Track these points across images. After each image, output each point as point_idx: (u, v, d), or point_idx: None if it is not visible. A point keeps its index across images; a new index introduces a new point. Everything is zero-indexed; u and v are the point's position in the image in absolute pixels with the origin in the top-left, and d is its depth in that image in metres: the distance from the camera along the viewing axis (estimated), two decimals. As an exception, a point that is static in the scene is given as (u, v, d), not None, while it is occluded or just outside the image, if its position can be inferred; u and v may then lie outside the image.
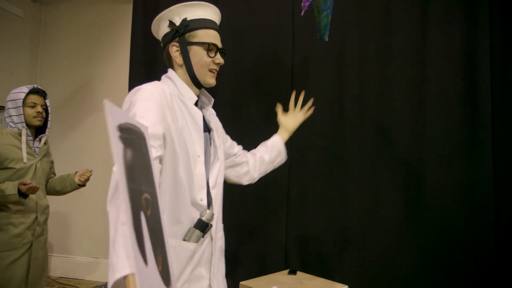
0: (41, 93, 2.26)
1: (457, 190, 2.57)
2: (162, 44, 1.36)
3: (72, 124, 3.93)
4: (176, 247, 1.15)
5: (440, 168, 2.60)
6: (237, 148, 1.71)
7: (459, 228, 2.54)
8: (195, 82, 1.31)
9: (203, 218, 1.21)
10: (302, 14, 2.21)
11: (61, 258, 3.87)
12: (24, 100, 2.18)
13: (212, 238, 1.29)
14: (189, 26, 1.27)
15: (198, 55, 1.28)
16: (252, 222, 2.95)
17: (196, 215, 1.22)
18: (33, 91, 2.22)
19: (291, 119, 1.83)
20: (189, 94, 1.29)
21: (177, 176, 1.17)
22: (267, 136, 2.98)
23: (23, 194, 2.01)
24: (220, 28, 3.15)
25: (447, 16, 2.61)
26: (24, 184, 1.98)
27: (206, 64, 1.29)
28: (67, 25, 4.00)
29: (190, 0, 1.30)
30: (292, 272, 2.43)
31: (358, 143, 2.78)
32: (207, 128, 1.37)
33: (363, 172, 2.76)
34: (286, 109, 2.92)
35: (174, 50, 1.30)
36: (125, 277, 0.72)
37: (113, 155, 0.74)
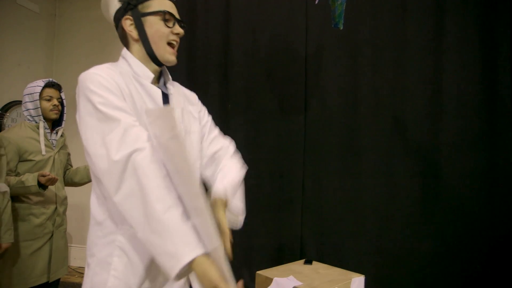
0: (57, 86, 2.29)
1: (475, 180, 2.52)
2: (114, 23, 1.23)
3: (88, 117, 3.97)
4: None
5: (457, 158, 2.56)
6: (221, 144, 1.34)
7: (476, 219, 2.51)
8: (153, 58, 1.17)
9: None
10: (316, 2, 2.18)
11: (79, 248, 3.94)
12: (40, 93, 2.21)
13: None
14: None
15: (154, 26, 1.14)
16: (268, 213, 2.96)
17: None
18: (49, 85, 2.25)
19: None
20: (145, 73, 1.15)
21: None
22: (280, 126, 2.98)
23: (42, 186, 2.05)
24: (232, 17, 3.14)
25: (464, 0, 2.54)
26: (43, 176, 2.02)
27: (164, 35, 1.15)
28: (81, 19, 4.03)
29: None
30: (308, 261, 2.44)
31: (373, 132, 2.75)
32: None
33: (379, 162, 2.73)
34: (299, 103, 2.91)
35: (128, 24, 1.17)
36: (193, 261, 0.72)
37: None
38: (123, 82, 1.10)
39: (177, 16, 1.19)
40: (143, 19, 1.14)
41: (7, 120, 3.37)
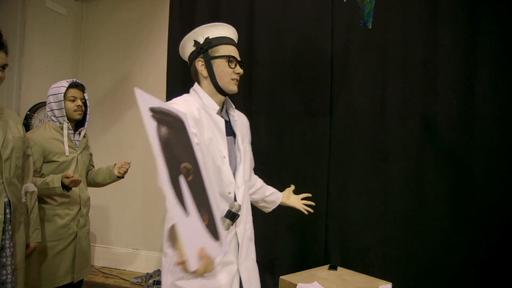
0: (80, 87, 2.31)
1: (508, 184, 2.40)
2: (189, 63, 1.56)
3: (112, 118, 4.03)
4: None
5: (491, 162, 2.45)
6: (252, 172, 1.86)
7: (510, 226, 2.38)
8: (219, 90, 1.48)
9: (233, 209, 1.36)
10: (344, 0, 2.13)
11: (103, 248, 3.99)
12: (65, 94, 2.23)
13: (236, 230, 1.46)
14: (211, 43, 1.46)
15: (220, 66, 1.45)
16: (292, 217, 2.91)
17: (225, 207, 1.39)
18: (73, 85, 2.27)
19: (293, 200, 2.07)
20: (212, 105, 1.46)
21: (207, 172, 1.31)
22: (305, 128, 2.93)
23: (66, 187, 2.07)
24: (256, 18, 3.12)
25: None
26: (67, 177, 2.03)
27: (228, 73, 1.45)
28: (106, 22, 4.09)
29: (211, 22, 1.52)
30: (333, 267, 2.38)
31: (401, 135, 2.66)
32: (232, 133, 1.53)
33: (407, 165, 2.64)
34: (324, 105, 2.85)
35: (200, 65, 1.48)
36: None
37: (147, 131, 0.87)
38: (196, 111, 1.39)
39: (238, 58, 1.49)
40: (212, 61, 1.46)
41: (34, 121, 3.44)
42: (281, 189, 2.95)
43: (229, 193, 1.43)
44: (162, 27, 3.62)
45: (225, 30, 1.50)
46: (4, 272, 1.64)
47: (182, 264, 0.84)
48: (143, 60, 3.93)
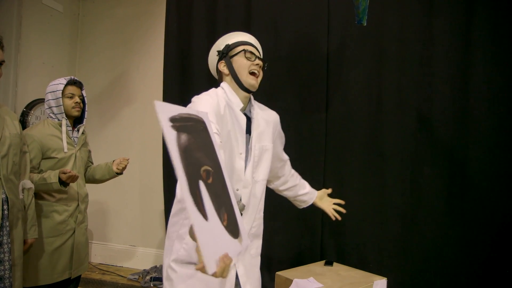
0: (78, 84, 2.31)
1: (504, 181, 2.43)
2: (216, 71, 1.65)
3: (110, 115, 4.03)
4: None
5: (486, 158, 2.47)
6: (286, 170, 1.92)
7: (506, 221, 2.41)
8: (240, 86, 1.53)
9: None
10: (339, -3, 2.13)
11: (100, 245, 4.00)
12: (63, 91, 2.23)
13: None
14: (230, 47, 1.57)
15: (238, 61, 1.53)
16: (288, 213, 2.92)
17: None
18: (71, 82, 2.27)
19: (326, 203, 2.07)
20: (236, 101, 1.51)
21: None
22: (301, 124, 2.94)
23: (63, 183, 2.07)
24: (253, 15, 3.10)
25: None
26: (64, 173, 2.04)
27: (246, 65, 1.51)
28: (103, 18, 4.08)
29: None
30: (329, 263, 2.40)
31: (397, 131, 2.68)
32: (249, 131, 1.56)
33: (403, 161, 2.66)
34: (321, 102, 2.86)
35: (222, 66, 1.58)
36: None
37: (167, 143, 0.92)
38: (222, 106, 1.45)
39: (256, 54, 1.56)
40: (231, 59, 1.55)
41: (31, 118, 3.43)
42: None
43: (237, 189, 1.48)
44: (159, 24, 3.61)
45: (243, 36, 1.61)
46: (1, 267, 1.65)
47: (202, 269, 0.86)
48: (140, 56, 3.93)
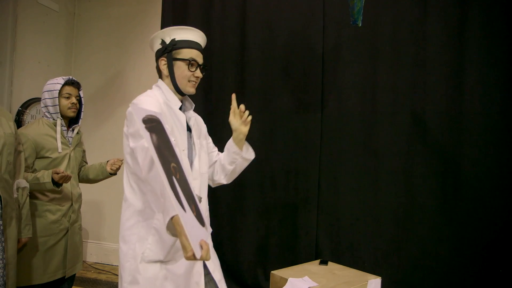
0: (76, 85, 2.31)
1: (498, 180, 2.44)
2: (155, 58, 1.64)
3: (105, 114, 4.02)
4: None
5: (479, 157, 2.49)
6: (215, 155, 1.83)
7: (498, 220, 2.43)
8: (178, 91, 1.58)
9: None
10: (334, -2, 2.14)
11: (95, 244, 3.99)
12: (60, 91, 2.22)
13: None
14: (176, 45, 1.54)
15: (180, 69, 1.54)
16: (283, 212, 2.93)
17: None
18: (69, 82, 2.26)
19: (242, 122, 1.71)
20: (175, 101, 1.57)
21: None
22: (296, 124, 2.95)
23: (56, 183, 2.07)
24: (248, 15, 3.13)
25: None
26: (57, 173, 2.03)
27: (187, 76, 1.54)
28: (99, 18, 4.07)
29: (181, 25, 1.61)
30: (324, 262, 2.40)
31: (391, 130, 2.69)
32: (189, 128, 1.62)
33: (397, 160, 2.68)
34: (316, 101, 2.87)
35: (162, 64, 1.58)
36: (172, 218, 1.06)
37: (147, 143, 1.04)
38: (163, 106, 1.51)
39: (200, 62, 1.56)
40: (173, 62, 1.54)
41: (26, 117, 3.43)
42: (273, 185, 2.98)
43: (194, 180, 1.54)
44: (155, 23, 3.61)
45: (192, 34, 1.57)
46: (-5, 266, 1.65)
47: (191, 256, 0.97)
48: (136, 56, 3.92)
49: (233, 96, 1.68)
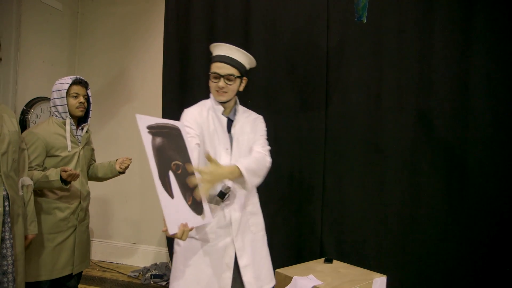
0: (84, 84, 2.33)
1: (503, 178, 2.43)
2: None
3: (109, 113, 4.03)
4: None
5: (485, 155, 2.47)
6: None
7: (504, 218, 2.41)
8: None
9: (222, 189, 1.70)
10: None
11: (101, 242, 4.01)
12: (68, 90, 2.24)
13: (230, 207, 1.78)
14: (211, 61, 1.83)
15: (210, 81, 1.82)
16: (287, 210, 2.93)
17: (219, 188, 1.72)
18: (76, 82, 2.28)
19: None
20: (218, 107, 1.83)
21: (207, 163, 1.61)
22: (301, 122, 2.94)
23: (65, 181, 2.09)
24: (252, 12, 3.10)
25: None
26: (65, 171, 2.05)
27: (213, 87, 1.81)
28: (103, 17, 4.08)
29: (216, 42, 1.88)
30: (328, 260, 2.40)
31: (396, 128, 2.68)
32: (230, 130, 1.86)
33: (402, 159, 2.66)
34: (320, 98, 2.86)
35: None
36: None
37: (143, 144, 1.31)
38: (206, 112, 1.81)
39: (221, 73, 1.77)
40: (209, 75, 1.82)
41: (31, 116, 3.44)
42: (277, 182, 2.98)
43: None
44: (159, 22, 3.61)
45: (217, 48, 1.82)
46: (5, 262, 1.68)
47: (166, 231, 1.31)
48: (140, 55, 3.93)
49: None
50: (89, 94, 2.36)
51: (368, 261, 2.70)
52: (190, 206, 1.38)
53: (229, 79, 1.77)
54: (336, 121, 2.84)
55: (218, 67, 1.78)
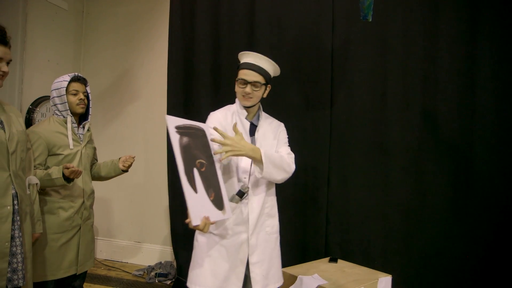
0: (82, 81, 2.31)
1: (509, 178, 2.41)
2: None
3: (114, 112, 4.04)
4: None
5: (491, 155, 2.46)
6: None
7: (511, 218, 2.40)
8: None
9: (241, 189, 1.80)
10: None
11: (105, 241, 4.03)
12: (67, 88, 2.23)
13: (249, 206, 1.85)
14: (238, 68, 1.92)
15: (236, 86, 1.90)
16: (292, 209, 2.92)
17: (238, 187, 1.83)
18: (75, 79, 2.27)
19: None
20: (242, 111, 1.92)
21: (230, 163, 1.83)
22: (306, 121, 2.93)
23: (67, 179, 2.09)
24: (256, 11, 3.10)
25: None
26: (67, 168, 2.05)
27: (239, 92, 1.89)
28: (108, 16, 4.09)
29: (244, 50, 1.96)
30: (333, 260, 2.40)
31: (401, 128, 2.67)
32: (252, 134, 1.95)
33: (407, 158, 2.65)
34: (325, 98, 2.85)
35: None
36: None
37: (171, 142, 1.44)
38: (230, 116, 1.91)
39: (248, 80, 1.85)
40: (235, 81, 1.91)
41: (37, 115, 3.46)
42: (281, 185, 2.97)
43: (245, 178, 1.84)
44: (163, 21, 3.62)
45: (246, 56, 1.91)
46: (15, 260, 1.69)
47: (190, 222, 1.39)
48: (145, 54, 3.93)
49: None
50: (88, 91, 2.34)
51: (373, 260, 2.69)
52: (212, 201, 1.50)
53: (255, 86, 1.86)
54: (341, 121, 2.83)
55: (245, 74, 1.87)
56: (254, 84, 1.86)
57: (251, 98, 1.87)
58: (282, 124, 2.07)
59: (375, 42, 2.73)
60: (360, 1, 2.08)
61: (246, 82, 1.86)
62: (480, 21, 2.47)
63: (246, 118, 1.93)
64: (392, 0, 2.67)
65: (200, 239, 1.84)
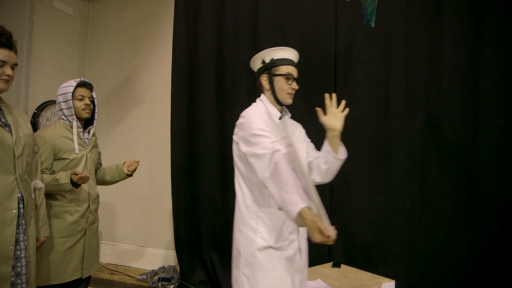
0: (88, 86, 2.34)
1: (513, 182, 2.41)
2: (256, 75, 1.87)
3: (118, 116, 4.07)
4: (277, 214, 1.68)
5: (495, 159, 2.45)
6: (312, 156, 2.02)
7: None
8: (278, 102, 1.81)
9: None
10: (348, 0, 2.14)
11: (109, 245, 4.04)
12: (73, 93, 2.26)
13: None
14: (275, 63, 1.78)
15: (279, 83, 1.77)
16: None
17: None
18: (81, 84, 2.30)
19: (335, 119, 1.87)
20: (275, 112, 1.81)
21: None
22: (310, 127, 2.94)
23: (75, 184, 2.10)
24: (260, 16, 3.13)
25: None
26: (76, 174, 2.06)
27: (285, 89, 1.77)
28: (112, 21, 4.13)
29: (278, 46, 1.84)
30: (336, 264, 2.39)
31: (405, 133, 2.67)
32: None
33: (411, 163, 2.65)
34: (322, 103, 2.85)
35: (264, 80, 1.80)
36: (303, 209, 1.36)
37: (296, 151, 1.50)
38: (268, 119, 1.75)
39: (295, 75, 1.78)
40: (273, 78, 1.78)
41: (42, 120, 3.48)
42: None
43: None
44: (168, 25, 3.65)
45: (287, 52, 1.81)
46: (19, 264, 1.69)
47: (328, 238, 1.36)
48: (149, 58, 3.96)
49: (326, 95, 1.80)
50: (94, 96, 2.37)
51: (376, 265, 2.68)
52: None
53: (297, 83, 1.81)
54: (345, 125, 2.80)
55: (291, 70, 1.78)
56: (297, 81, 1.80)
57: (293, 95, 1.81)
58: (300, 125, 2.03)
59: (378, 48, 2.73)
60: (363, 6, 2.09)
61: (293, 78, 1.78)
62: (483, 27, 2.48)
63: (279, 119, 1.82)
64: (395, 5, 2.68)
65: (259, 257, 1.68)
